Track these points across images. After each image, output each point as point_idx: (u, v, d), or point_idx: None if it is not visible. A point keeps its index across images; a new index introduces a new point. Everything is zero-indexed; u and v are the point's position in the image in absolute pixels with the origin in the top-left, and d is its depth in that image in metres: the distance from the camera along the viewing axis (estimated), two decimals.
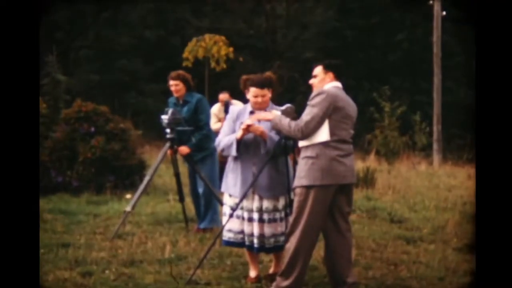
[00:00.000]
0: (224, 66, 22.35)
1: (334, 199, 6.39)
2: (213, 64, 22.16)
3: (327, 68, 6.52)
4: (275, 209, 6.81)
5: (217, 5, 31.56)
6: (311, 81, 6.61)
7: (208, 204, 9.54)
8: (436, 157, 23.71)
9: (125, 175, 13.14)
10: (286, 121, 6.41)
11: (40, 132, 16.03)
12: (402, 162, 19.43)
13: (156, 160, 9.41)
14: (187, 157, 9.43)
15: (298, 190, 6.35)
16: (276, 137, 6.76)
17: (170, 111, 9.14)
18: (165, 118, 9.10)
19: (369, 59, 34.19)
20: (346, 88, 6.67)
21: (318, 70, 6.56)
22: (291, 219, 6.42)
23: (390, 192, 12.98)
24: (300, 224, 6.30)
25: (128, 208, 9.19)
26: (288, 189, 6.77)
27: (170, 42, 28.29)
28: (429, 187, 14.48)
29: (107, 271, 7.14)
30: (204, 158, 9.58)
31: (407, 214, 10.87)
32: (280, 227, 6.81)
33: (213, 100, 13.74)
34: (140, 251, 8.08)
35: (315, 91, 6.39)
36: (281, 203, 6.84)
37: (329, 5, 34.54)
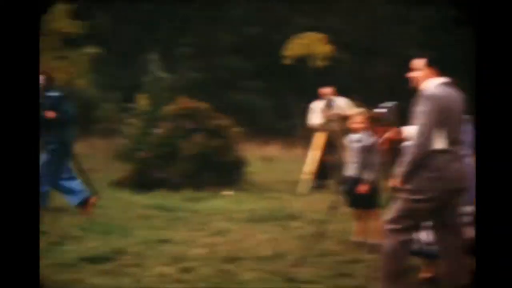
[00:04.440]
0: (325, 64, 22.22)
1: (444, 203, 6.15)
2: (313, 62, 22.07)
3: (430, 63, 6.12)
4: None
5: (319, 2, 31.40)
6: (412, 74, 6.21)
7: None
8: None
9: (224, 172, 13.19)
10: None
11: (142, 129, 16.30)
12: None
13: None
14: None
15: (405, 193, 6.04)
16: None
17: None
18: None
19: None
20: None
21: (420, 64, 6.16)
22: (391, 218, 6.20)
23: None
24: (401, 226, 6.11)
25: None
26: None
27: (271, 40, 28.29)
28: None
29: (206, 268, 7.17)
30: None
31: None
32: None
33: (314, 97, 13.67)
34: (239, 248, 8.08)
35: (421, 95, 5.98)
36: None
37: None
